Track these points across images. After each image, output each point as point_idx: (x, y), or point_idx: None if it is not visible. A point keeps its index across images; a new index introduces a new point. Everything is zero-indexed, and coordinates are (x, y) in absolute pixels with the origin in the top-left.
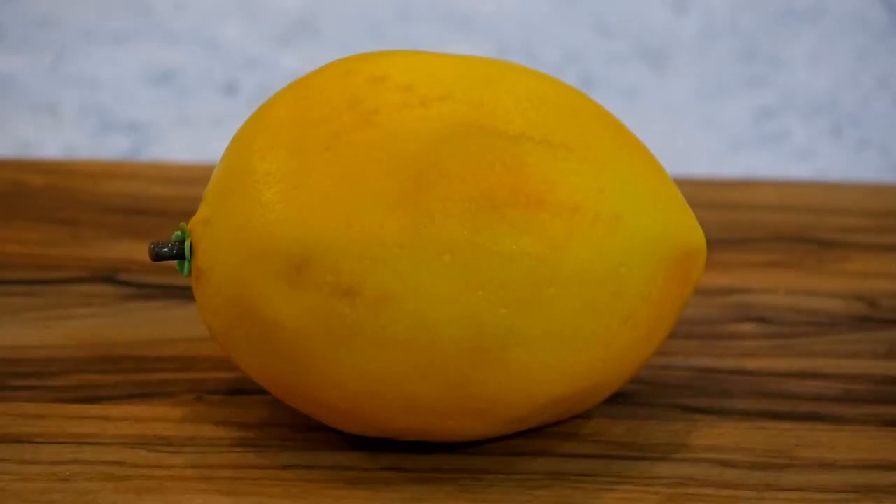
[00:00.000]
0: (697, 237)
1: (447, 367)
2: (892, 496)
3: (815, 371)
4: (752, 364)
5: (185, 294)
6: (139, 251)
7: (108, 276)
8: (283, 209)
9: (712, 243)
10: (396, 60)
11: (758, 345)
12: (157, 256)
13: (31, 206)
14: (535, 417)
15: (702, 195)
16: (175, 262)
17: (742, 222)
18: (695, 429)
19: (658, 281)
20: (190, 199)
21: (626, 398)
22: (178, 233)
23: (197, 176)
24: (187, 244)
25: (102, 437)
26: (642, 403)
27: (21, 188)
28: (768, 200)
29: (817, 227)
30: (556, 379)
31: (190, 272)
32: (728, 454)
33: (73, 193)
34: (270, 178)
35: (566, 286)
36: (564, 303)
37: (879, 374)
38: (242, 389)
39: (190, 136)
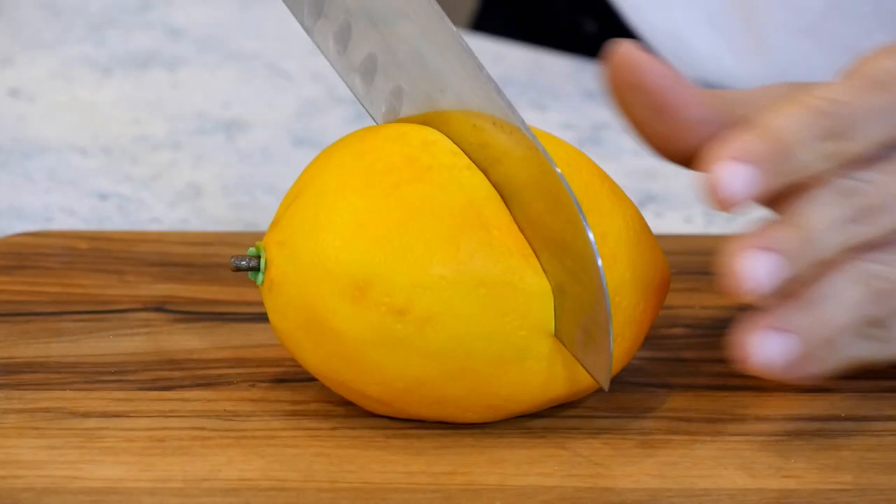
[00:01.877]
0: (667, 272)
1: (474, 373)
2: (815, 437)
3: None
4: (685, 354)
5: (223, 317)
6: (177, 290)
7: (158, 306)
8: (351, 240)
9: None
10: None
11: (686, 342)
12: (236, 268)
13: (83, 262)
14: (537, 409)
15: None
16: (248, 273)
17: None
18: (652, 397)
19: (641, 305)
20: (207, 255)
21: None
22: (253, 249)
23: (206, 240)
24: (262, 259)
25: (182, 411)
26: (611, 381)
27: (71, 251)
28: (672, 248)
29: (709, 264)
30: (559, 383)
31: (262, 282)
32: (682, 413)
33: (112, 253)
34: (342, 214)
35: None
36: None
37: None
38: (286, 379)
39: None
